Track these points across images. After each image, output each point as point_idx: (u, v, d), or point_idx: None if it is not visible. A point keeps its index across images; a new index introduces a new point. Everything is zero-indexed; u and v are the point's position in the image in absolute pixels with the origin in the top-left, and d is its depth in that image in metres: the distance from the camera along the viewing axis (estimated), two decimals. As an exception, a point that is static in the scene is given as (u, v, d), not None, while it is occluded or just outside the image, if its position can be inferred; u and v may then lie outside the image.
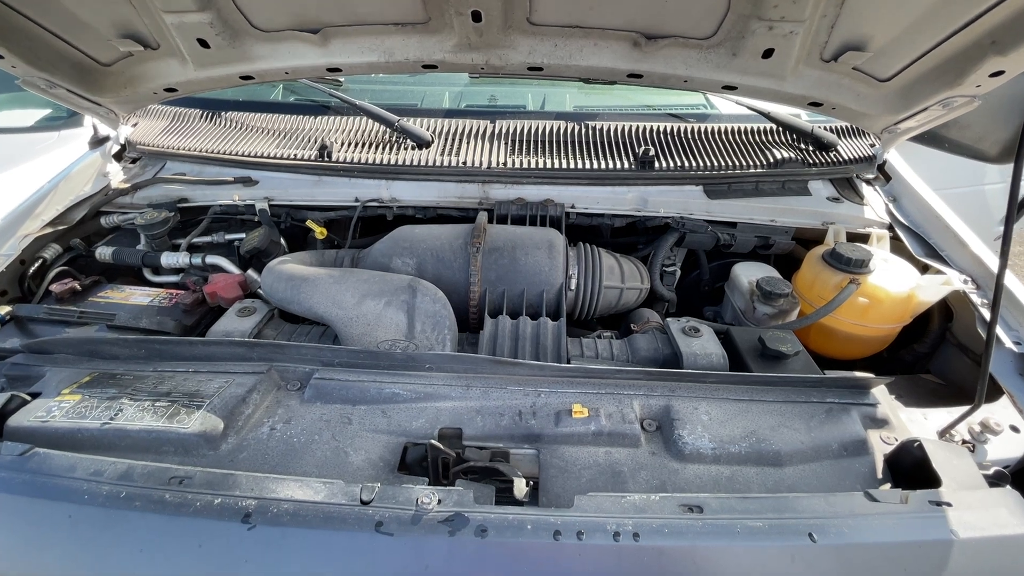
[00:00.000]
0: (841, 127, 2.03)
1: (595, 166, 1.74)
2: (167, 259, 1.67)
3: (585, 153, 1.78)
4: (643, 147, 1.77)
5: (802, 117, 1.97)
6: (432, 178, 1.74)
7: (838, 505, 0.93)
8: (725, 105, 2.06)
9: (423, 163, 1.75)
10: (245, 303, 1.51)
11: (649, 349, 1.43)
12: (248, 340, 1.23)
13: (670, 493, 1.07)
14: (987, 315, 1.43)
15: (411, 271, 1.52)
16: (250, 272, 1.66)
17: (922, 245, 1.73)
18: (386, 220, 1.82)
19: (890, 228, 1.81)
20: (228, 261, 1.69)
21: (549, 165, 1.73)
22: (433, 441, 1.05)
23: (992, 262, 1.53)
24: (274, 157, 1.80)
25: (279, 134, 1.92)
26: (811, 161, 1.84)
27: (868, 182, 1.95)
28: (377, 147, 1.84)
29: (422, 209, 1.77)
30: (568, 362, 1.35)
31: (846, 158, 1.89)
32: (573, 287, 1.54)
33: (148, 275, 1.73)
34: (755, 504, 0.93)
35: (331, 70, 1.56)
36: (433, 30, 1.42)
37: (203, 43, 1.47)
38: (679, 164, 1.76)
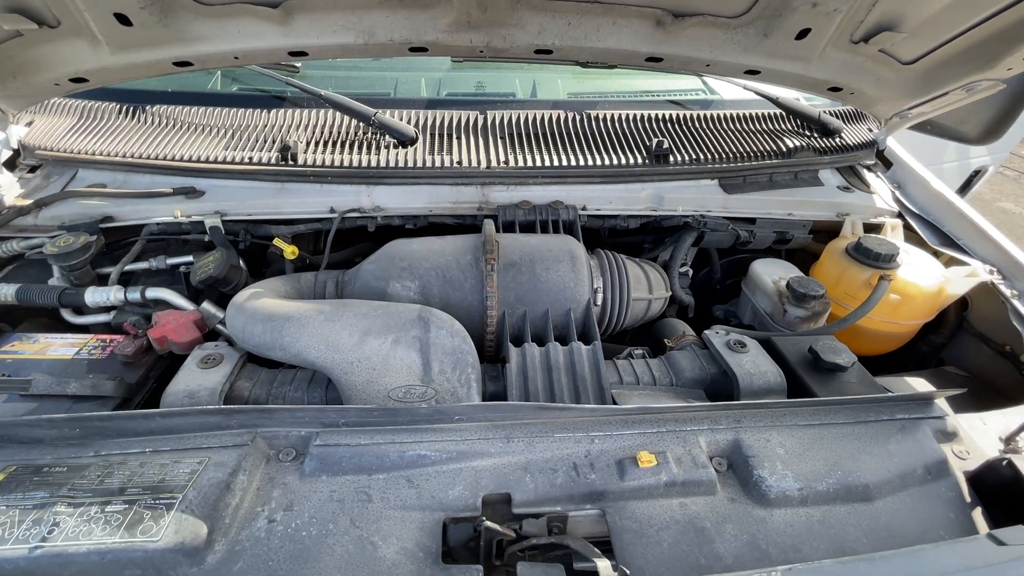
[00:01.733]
0: (839, 111, 1.96)
1: (605, 162, 1.55)
2: (93, 295, 1.33)
3: (591, 147, 1.59)
4: (655, 139, 1.60)
5: (800, 102, 1.88)
6: (422, 181, 1.49)
7: (968, 555, 0.82)
8: (725, 89, 1.93)
9: (409, 164, 1.49)
10: (207, 348, 1.22)
11: (693, 369, 1.28)
12: (225, 408, 0.96)
13: (763, 547, 0.93)
14: (1022, 308, 1.39)
15: (413, 296, 1.28)
16: (205, 305, 1.35)
17: (936, 233, 1.68)
18: (366, 232, 1.55)
19: (899, 216, 1.76)
20: (175, 293, 1.37)
21: (556, 162, 1.53)
22: (488, 523, 0.85)
23: (1016, 251, 1.50)
24: (223, 162, 1.48)
25: (224, 133, 1.58)
26: (822, 149, 1.75)
27: (868, 169, 1.90)
28: (351, 146, 1.56)
29: (411, 218, 1.52)
30: (607, 392, 1.18)
31: (851, 144, 1.82)
32: (599, 302, 1.36)
33: (68, 317, 1.38)
34: (886, 566, 0.80)
35: (294, 54, 1.26)
36: (425, 4, 1.17)
37: (123, 19, 1.14)
38: (693, 157, 1.61)
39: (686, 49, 1.33)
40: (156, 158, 1.48)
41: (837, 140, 1.81)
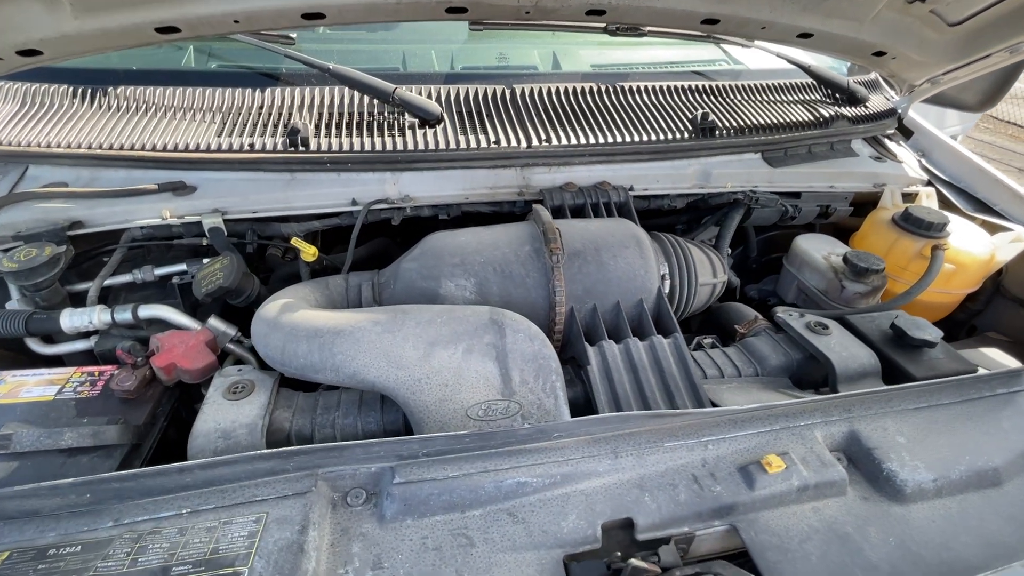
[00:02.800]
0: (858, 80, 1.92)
1: (652, 137, 1.42)
2: (72, 319, 1.08)
3: (633, 122, 1.46)
4: (697, 111, 1.48)
5: (828, 70, 1.82)
6: (456, 164, 1.31)
7: None
8: (750, 59, 1.84)
9: (440, 146, 1.31)
10: (230, 374, 1.01)
11: (777, 355, 1.19)
12: (284, 450, 0.77)
13: (914, 550, 0.85)
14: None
15: (470, 296, 1.11)
16: (213, 322, 1.13)
17: (969, 200, 1.67)
18: (382, 227, 1.36)
19: (928, 184, 1.74)
20: (175, 310, 1.14)
21: (600, 139, 1.38)
22: (636, 562, 0.72)
23: (1059, 213, 1.50)
24: (217, 150, 1.24)
25: (212, 117, 1.34)
26: (853, 118, 1.69)
27: (889, 137, 1.87)
28: (368, 128, 1.35)
29: (444, 207, 1.34)
30: (700, 390, 1.06)
31: (875, 113, 1.78)
32: (667, 289, 1.24)
33: (36, 347, 1.13)
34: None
35: (308, 16, 1.06)
36: (471, -46, 0.99)
37: (95, -32, 0.90)
38: (737, 129, 1.51)
39: (745, 9, 1.22)
40: (133, 148, 1.23)
41: (863, 109, 1.77)
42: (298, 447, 0.78)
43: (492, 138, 1.34)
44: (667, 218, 1.64)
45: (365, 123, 1.36)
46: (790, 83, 1.77)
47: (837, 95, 1.78)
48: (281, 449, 0.77)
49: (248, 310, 1.24)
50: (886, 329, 1.24)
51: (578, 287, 1.14)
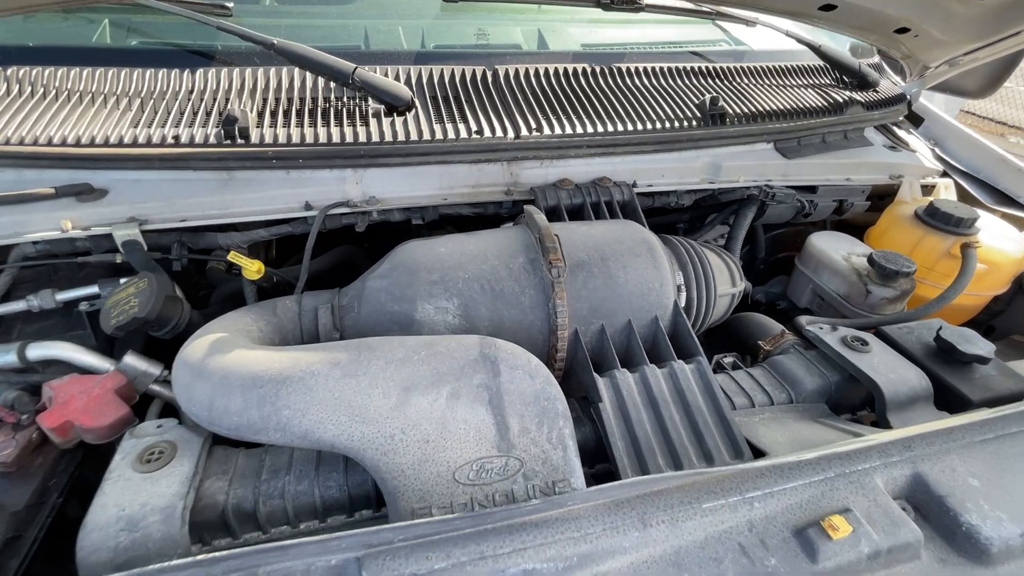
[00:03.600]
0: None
1: (656, 126, 1.24)
2: (-66, 366, 0.83)
3: (633, 108, 1.27)
4: (705, 96, 1.31)
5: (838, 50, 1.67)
6: (432, 159, 1.10)
7: None
8: (752, 39, 1.68)
9: (410, 137, 1.09)
10: (144, 433, 0.79)
11: (812, 379, 1.03)
12: (205, 558, 0.55)
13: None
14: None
15: (453, 321, 0.91)
16: (130, 360, 0.90)
17: (990, 192, 1.55)
18: (354, 233, 1.15)
19: (944, 175, 1.61)
20: (78, 347, 0.90)
21: (599, 128, 1.19)
22: None
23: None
24: (134, 144, 1.00)
25: (128, 104, 1.09)
26: (867, 103, 1.55)
27: (898, 125, 1.74)
28: (324, 116, 1.13)
29: (417, 210, 1.13)
30: (733, 426, 0.89)
31: (886, 99, 1.64)
32: (683, 303, 1.06)
33: None
34: None
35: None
36: None
37: None
38: (748, 116, 1.34)
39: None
40: (22, 143, 0.98)
41: (874, 94, 1.62)
42: (227, 552, 0.57)
43: (473, 127, 1.13)
44: (668, 217, 1.46)
45: (319, 110, 1.13)
46: (797, 66, 1.61)
47: (846, 79, 1.63)
48: (200, 558, 0.56)
49: (180, 340, 1.01)
50: (928, 342, 1.09)
51: (583, 305, 0.95)
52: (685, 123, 1.26)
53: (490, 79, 1.27)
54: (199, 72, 1.16)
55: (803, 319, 1.23)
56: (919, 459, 0.82)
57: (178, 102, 1.10)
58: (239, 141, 1.02)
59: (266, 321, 0.92)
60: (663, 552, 0.70)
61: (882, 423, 0.95)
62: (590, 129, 1.18)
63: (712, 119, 1.28)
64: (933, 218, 1.36)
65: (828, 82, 1.62)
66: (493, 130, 1.13)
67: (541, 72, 1.31)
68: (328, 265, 1.27)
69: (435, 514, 0.72)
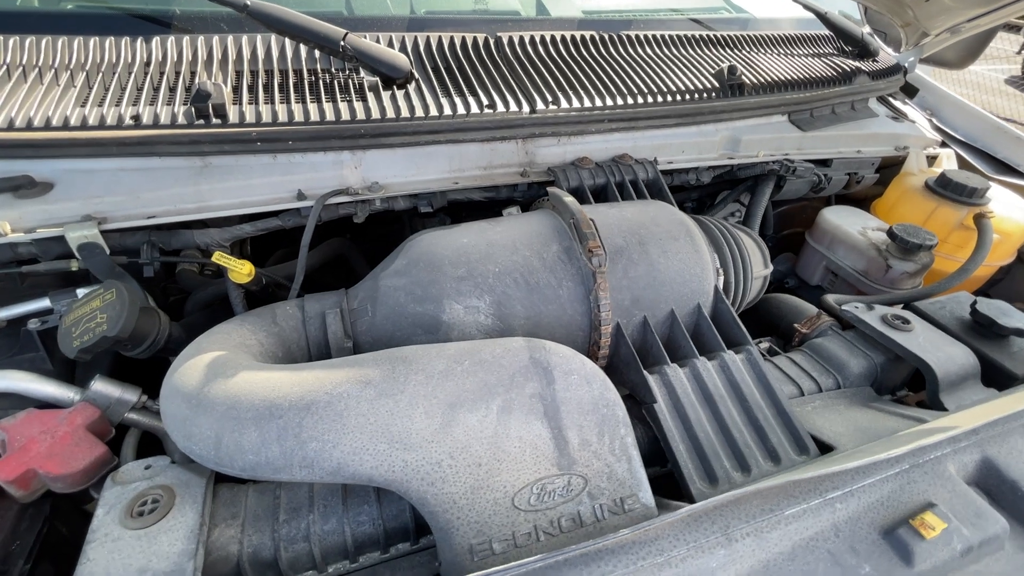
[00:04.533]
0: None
1: (675, 98, 1.15)
2: None
3: (651, 79, 1.17)
4: (724, 64, 1.22)
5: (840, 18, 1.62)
6: (441, 138, 0.98)
7: None
8: (752, 6, 1.61)
9: (415, 113, 0.96)
10: (130, 478, 0.65)
11: (857, 361, 0.98)
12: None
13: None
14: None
15: (485, 321, 0.80)
16: (98, 385, 0.76)
17: (988, 161, 1.55)
18: (345, 224, 1.01)
19: (943, 145, 1.60)
20: (33, 375, 0.75)
21: (619, 102, 1.09)
22: None
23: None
24: (84, 126, 0.83)
25: (72, 79, 0.91)
26: (872, 73, 1.51)
27: (892, 96, 1.72)
28: (310, 90, 0.98)
29: (425, 197, 1.00)
30: (794, 417, 0.83)
31: (888, 67, 1.61)
32: (721, 286, 0.99)
33: None
34: None
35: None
36: None
37: None
38: (765, 86, 1.27)
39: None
40: (-64, 128, 0.79)
41: (874, 64, 1.59)
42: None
43: (485, 101, 1.00)
44: (676, 196, 1.39)
45: (305, 83, 0.98)
46: (800, 35, 1.55)
47: (847, 48, 1.59)
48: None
49: (156, 360, 0.86)
50: (963, 316, 1.06)
51: (624, 296, 0.86)
52: (705, 94, 1.17)
53: (493, 47, 1.14)
54: (154, 41, 0.98)
55: (830, 298, 1.18)
56: (986, 443, 0.79)
57: (133, 76, 0.93)
58: (214, 121, 0.87)
59: (266, 332, 0.78)
60: (751, 568, 0.63)
61: (934, 404, 0.91)
62: (609, 102, 1.07)
63: (731, 89, 1.20)
64: (946, 188, 1.34)
65: (831, 51, 1.57)
66: (507, 104, 1.01)
67: (548, 39, 1.20)
68: (318, 262, 1.13)
69: (496, 548, 0.62)
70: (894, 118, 1.56)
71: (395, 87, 1.00)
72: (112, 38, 0.96)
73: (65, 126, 0.82)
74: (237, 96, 0.92)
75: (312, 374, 0.63)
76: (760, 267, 1.08)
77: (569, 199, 0.90)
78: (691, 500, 0.74)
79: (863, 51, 1.58)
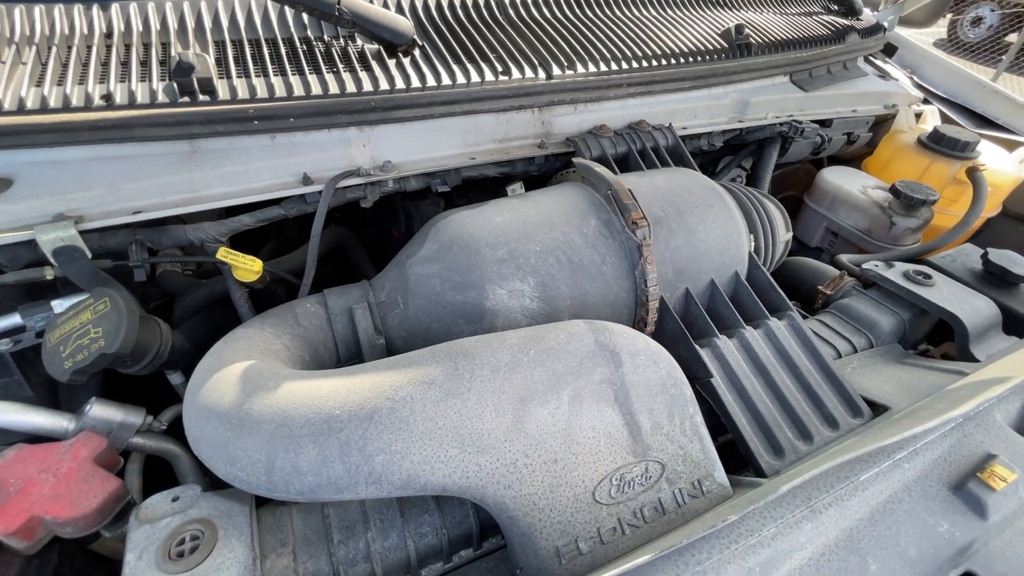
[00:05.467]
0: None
1: (687, 60, 1.10)
2: None
3: (661, 40, 1.12)
4: (731, 24, 1.18)
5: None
6: (457, 110, 0.89)
7: None
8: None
9: (426, 83, 0.87)
10: (159, 513, 0.56)
11: (887, 319, 0.98)
12: None
13: None
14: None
15: (531, 305, 0.74)
16: (97, 410, 0.66)
17: (969, 116, 1.59)
18: (333, 213, 0.93)
19: (925, 102, 1.63)
20: (19, 405, 0.64)
21: (636, 66, 1.03)
22: None
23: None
24: (44, 109, 0.70)
25: (17, 52, 0.77)
26: (861, 31, 1.51)
27: (873, 55, 1.73)
28: (307, 59, 0.87)
29: (440, 175, 0.92)
30: (843, 380, 0.82)
31: (872, 26, 1.61)
32: (751, 252, 0.97)
33: None
34: None
35: None
36: None
37: None
38: (768, 45, 1.24)
39: None
40: None
41: (858, 22, 1.59)
42: None
43: (499, 68, 0.92)
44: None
45: (300, 53, 0.87)
46: (788, -7, 1.53)
47: (835, 6, 1.58)
48: None
49: (154, 375, 0.77)
50: (974, 268, 1.09)
51: (667, 269, 0.82)
52: (715, 55, 1.13)
53: (495, 7, 1.06)
54: (113, 8, 0.85)
55: (844, 258, 1.19)
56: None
57: (94, 50, 0.80)
58: (201, 98, 0.76)
59: (290, 334, 0.70)
60: (837, 538, 0.62)
61: (965, 355, 0.93)
62: (625, 66, 1.01)
63: (739, 49, 1.16)
64: (939, 144, 1.36)
65: (819, 9, 1.56)
66: (522, 70, 0.93)
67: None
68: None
69: (583, 548, 0.58)
70: (881, 76, 1.57)
71: (400, 54, 0.91)
72: (61, 5, 0.82)
73: (21, 110, 0.69)
74: (223, 69, 0.81)
75: (367, 379, 0.56)
76: (782, 231, 1.06)
77: (602, 169, 0.84)
78: (759, 473, 0.72)
79: (849, 9, 1.57)
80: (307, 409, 0.52)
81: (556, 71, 0.95)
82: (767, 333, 0.84)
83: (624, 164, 1.01)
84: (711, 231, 0.86)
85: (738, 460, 0.76)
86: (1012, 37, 5.62)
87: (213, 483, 0.64)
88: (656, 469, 0.63)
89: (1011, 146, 1.48)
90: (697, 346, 0.79)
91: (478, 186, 1.06)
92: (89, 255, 0.71)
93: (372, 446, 0.52)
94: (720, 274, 0.88)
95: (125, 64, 0.79)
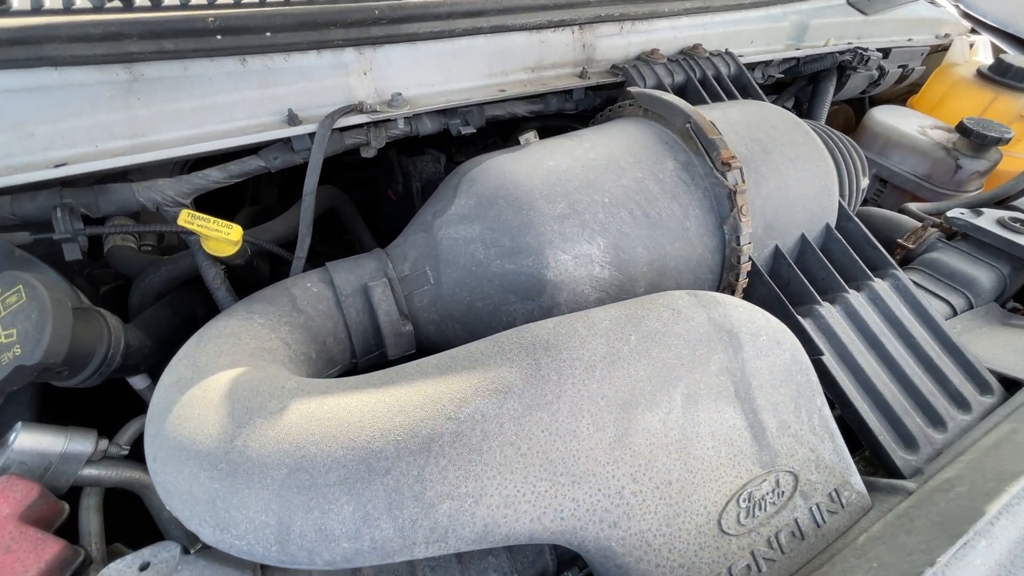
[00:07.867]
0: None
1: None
2: None
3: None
4: (786, -72, 0.99)
5: None
6: (483, 24, 0.69)
7: None
8: None
9: (438, -9, 0.67)
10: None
11: (985, 275, 0.85)
12: None
13: None
14: None
15: (599, 273, 0.57)
16: (25, 441, 0.48)
17: (1021, 47, 1.44)
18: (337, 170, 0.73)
19: (973, 32, 1.48)
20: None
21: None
22: None
23: None
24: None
25: None
26: (912, -51, 1.32)
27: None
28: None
29: (460, 113, 0.73)
30: (962, 346, 0.68)
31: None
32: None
33: None
34: None
35: None
36: None
37: None
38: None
39: None
40: None
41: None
42: None
43: (529, -27, 0.72)
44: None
45: (272, -52, 0.65)
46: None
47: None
48: None
49: (104, 386, 0.58)
50: (1071, 213, 0.96)
51: (758, 222, 0.66)
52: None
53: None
54: None
55: (912, 206, 1.05)
56: None
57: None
58: (141, 2, 0.54)
59: (289, 325, 0.51)
60: (1009, 549, 0.48)
61: (1075, 314, 0.80)
62: (677, -25, 0.82)
63: (799, -40, 0.97)
64: (1005, 76, 1.22)
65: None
66: (559, -23, 0.73)
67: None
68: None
69: (713, 597, 0.43)
70: (931, 2, 1.40)
71: (402, -47, 0.69)
72: None
73: None
74: (167, -33, 0.59)
75: (413, 390, 0.39)
76: (863, 176, 0.91)
77: (674, 98, 0.66)
78: (893, 472, 0.58)
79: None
80: (333, 442, 0.35)
81: (599, -20, 0.76)
82: (871, 297, 0.69)
83: (682, 96, 0.83)
84: (802, 175, 0.70)
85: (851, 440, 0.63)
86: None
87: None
88: (788, 481, 0.49)
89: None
90: (800, 317, 0.64)
91: (476, 141, 0.87)
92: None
93: (433, 490, 0.35)
94: (811, 227, 0.72)
95: (26, -42, 0.57)
